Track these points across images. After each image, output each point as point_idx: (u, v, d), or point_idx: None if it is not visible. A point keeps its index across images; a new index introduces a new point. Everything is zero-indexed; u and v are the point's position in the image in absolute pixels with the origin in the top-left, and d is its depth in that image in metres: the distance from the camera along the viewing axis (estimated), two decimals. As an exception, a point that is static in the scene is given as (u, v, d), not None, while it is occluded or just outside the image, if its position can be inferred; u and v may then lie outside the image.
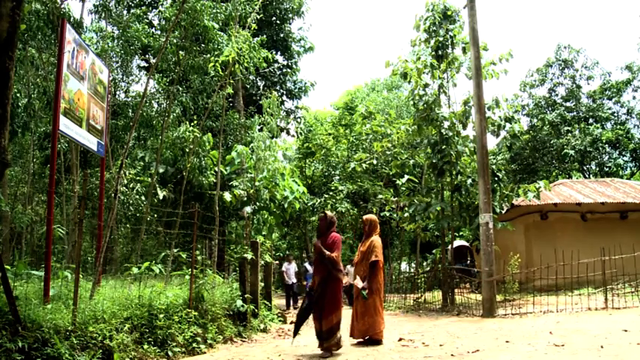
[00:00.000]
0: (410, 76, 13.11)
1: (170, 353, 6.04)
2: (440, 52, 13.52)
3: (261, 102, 13.65)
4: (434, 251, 21.94)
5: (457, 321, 9.81)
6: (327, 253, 6.07)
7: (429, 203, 13.07)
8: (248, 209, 11.15)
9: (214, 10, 11.41)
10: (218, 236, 11.40)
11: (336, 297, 6.07)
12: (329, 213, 6.41)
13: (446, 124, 13.02)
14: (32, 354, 4.36)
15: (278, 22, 19.37)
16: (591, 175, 25.22)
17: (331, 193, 19.82)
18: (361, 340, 6.81)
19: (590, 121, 25.13)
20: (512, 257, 12.51)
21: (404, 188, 16.28)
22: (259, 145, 11.48)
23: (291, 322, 10.49)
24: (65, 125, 5.75)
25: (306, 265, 15.98)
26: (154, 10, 16.00)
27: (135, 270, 7.34)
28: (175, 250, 9.40)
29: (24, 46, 9.90)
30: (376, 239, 6.71)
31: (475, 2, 11.36)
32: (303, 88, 20.44)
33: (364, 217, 7.01)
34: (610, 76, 25.65)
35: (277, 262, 23.22)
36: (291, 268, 15.40)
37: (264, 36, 13.17)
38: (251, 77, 18.05)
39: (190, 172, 11.76)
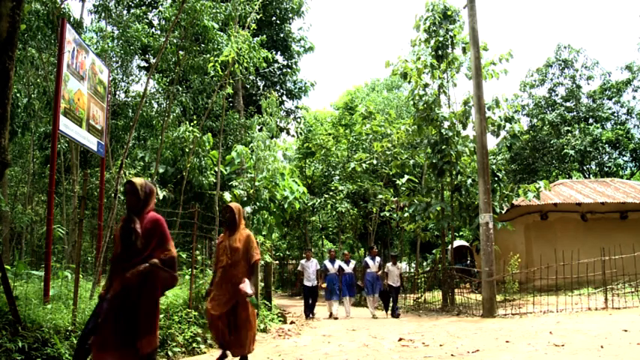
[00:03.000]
0: (410, 76, 13.12)
1: (170, 353, 6.04)
2: (440, 52, 13.53)
3: (260, 102, 13.65)
4: (434, 251, 21.95)
5: (457, 321, 9.81)
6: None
7: (429, 203, 13.08)
8: (248, 209, 11.15)
9: (214, 10, 11.40)
10: (218, 236, 11.38)
11: (153, 313, 3.78)
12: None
13: (446, 124, 13.03)
14: (32, 354, 4.36)
15: (278, 22, 19.37)
16: (591, 175, 25.22)
17: (331, 193, 19.82)
18: None
19: (590, 121, 25.13)
20: (512, 257, 12.52)
21: (404, 188, 16.29)
22: (259, 145, 11.48)
23: (292, 322, 10.51)
24: (65, 125, 5.74)
25: (367, 259, 12.75)
26: (153, 10, 15.99)
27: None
28: (175, 250, 9.38)
29: (24, 46, 9.90)
30: (250, 233, 5.40)
31: (475, 2, 11.36)
32: (303, 88, 20.45)
33: (230, 204, 5.41)
34: (610, 76, 25.67)
35: (277, 262, 23.09)
36: (310, 267, 12.52)
37: (264, 36, 13.15)
38: (251, 77, 18.05)
39: (190, 172, 11.76)
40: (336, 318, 11.89)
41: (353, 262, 12.97)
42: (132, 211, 3.84)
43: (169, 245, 3.85)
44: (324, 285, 12.52)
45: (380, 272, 12.30)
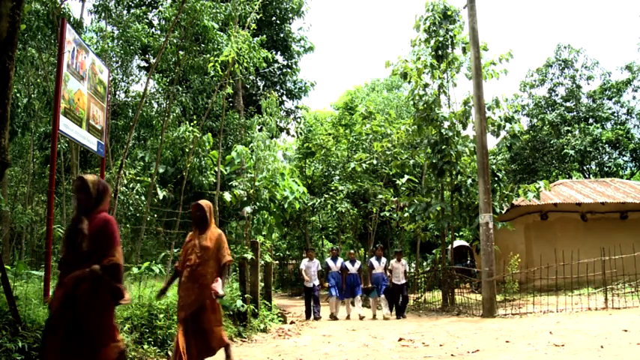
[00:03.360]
0: (410, 76, 13.13)
1: (170, 353, 6.04)
2: (440, 52, 13.54)
3: (260, 102, 13.66)
4: (434, 251, 21.96)
5: (457, 321, 9.82)
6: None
7: (429, 203, 13.08)
8: (248, 209, 11.15)
9: (214, 10, 11.40)
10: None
11: (106, 325, 3.44)
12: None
13: (446, 124, 13.03)
14: (32, 354, 4.36)
15: (278, 22, 19.38)
16: (591, 175, 25.22)
17: (331, 193, 19.81)
18: None
19: (590, 121, 25.13)
20: (512, 257, 12.52)
21: (404, 188, 16.29)
22: (259, 145, 11.49)
23: (292, 322, 10.51)
24: (65, 125, 5.74)
25: (372, 259, 12.29)
26: (153, 10, 15.99)
27: (135, 270, 7.33)
28: (175, 250, 9.39)
29: (24, 46, 9.89)
30: (221, 232, 5.14)
31: (475, 2, 11.37)
32: (303, 88, 20.47)
33: (200, 202, 5.10)
34: (610, 76, 25.66)
35: (277, 262, 23.04)
36: (312, 267, 12.13)
37: (264, 36, 13.16)
38: (251, 77, 18.06)
39: (190, 172, 11.76)
40: (336, 318, 11.68)
41: (358, 263, 12.41)
42: (81, 210, 3.53)
43: (115, 251, 3.41)
44: (327, 284, 12.13)
45: (384, 271, 11.93)
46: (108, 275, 3.35)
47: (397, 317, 11.47)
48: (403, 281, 11.77)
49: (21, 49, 9.64)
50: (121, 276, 3.46)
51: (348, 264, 12.19)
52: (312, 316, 11.76)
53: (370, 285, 12.07)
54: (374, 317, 11.68)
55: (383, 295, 11.75)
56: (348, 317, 11.94)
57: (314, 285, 11.94)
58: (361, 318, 11.46)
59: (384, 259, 12.04)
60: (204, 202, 5.08)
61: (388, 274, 11.88)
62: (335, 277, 12.06)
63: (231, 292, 8.71)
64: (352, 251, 13.30)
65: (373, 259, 12.10)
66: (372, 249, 20.41)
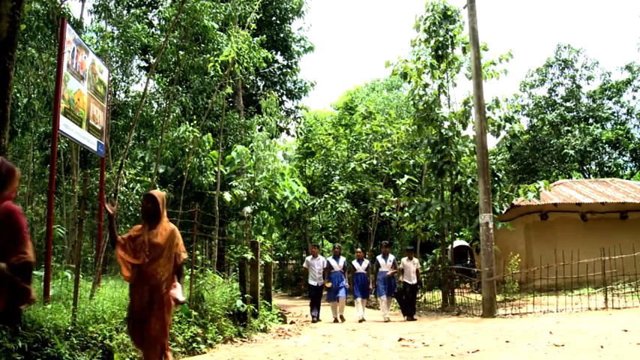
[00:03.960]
0: (410, 76, 13.13)
1: (169, 353, 6.04)
2: (440, 52, 13.54)
3: (260, 102, 13.66)
4: (434, 251, 21.93)
5: (457, 321, 9.82)
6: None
7: (429, 203, 13.08)
8: (248, 209, 11.16)
9: (214, 10, 11.40)
10: (218, 236, 11.40)
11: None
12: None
13: (446, 124, 13.04)
14: (32, 354, 4.36)
15: (278, 22, 19.38)
16: (591, 175, 25.22)
17: (331, 193, 19.82)
18: None
19: (590, 121, 25.13)
20: (512, 257, 12.53)
21: (404, 188, 16.29)
22: (259, 145, 11.50)
23: (292, 322, 10.51)
24: (65, 125, 5.74)
25: (378, 257, 11.48)
26: (153, 10, 16.00)
27: (135, 270, 7.32)
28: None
29: (24, 46, 9.89)
30: (175, 227, 4.59)
31: (475, 2, 11.37)
32: (303, 88, 20.47)
33: (152, 192, 4.52)
34: (610, 76, 25.67)
35: (277, 262, 23.00)
36: (316, 265, 11.27)
37: (264, 36, 13.16)
38: (251, 77, 18.05)
39: (190, 172, 11.76)
40: (337, 321, 10.97)
41: (366, 262, 11.53)
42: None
43: (25, 247, 2.89)
44: (329, 284, 11.18)
45: (393, 271, 11.12)
46: (17, 275, 2.84)
47: (408, 319, 10.81)
48: (414, 281, 11.12)
49: (21, 49, 9.63)
50: (31, 276, 3.00)
51: (355, 263, 11.48)
52: (313, 319, 11.11)
53: (371, 286, 11.48)
54: (388, 320, 10.73)
55: (388, 297, 11.08)
56: (361, 321, 10.87)
57: (318, 284, 11.21)
58: (360, 321, 10.79)
59: (391, 257, 11.30)
60: (156, 193, 4.52)
61: (398, 272, 11.20)
62: (337, 278, 11.20)
63: (231, 292, 8.73)
64: (359, 249, 12.45)
65: (379, 257, 11.34)
66: (372, 249, 20.40)
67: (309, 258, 11.64)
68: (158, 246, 4.30)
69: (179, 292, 4.33)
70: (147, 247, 4.27)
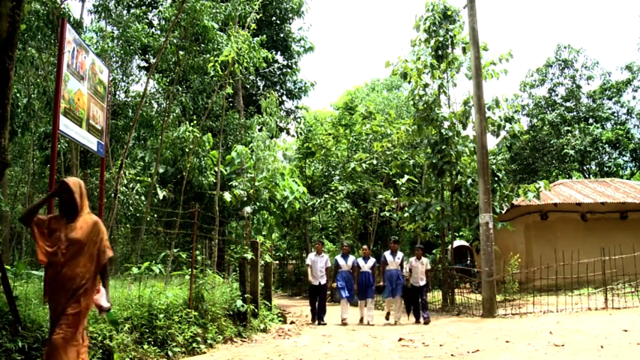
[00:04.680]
0: (410, 76, 13.13)
1: (170, 353, 6.05)
2: (440, 52, 13.54)
3: (260, 102, 13.66)
4: (434, 251, 21.93)
5: (457, 321, 9.82)
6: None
7: (429, 203, 13.08)
8: (248, 209, 11.15)
9: (214, 10, 11.41)
10: (218, 236, 11.40)
11: None
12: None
13: (446, 124, 13.04)
14: (32, 354, 4.37)
15: (278, 22, 19.39)
16: (591, 175, 25.23)
17: (331, 193, 19.82)
18: None
19: (590, 121, 25.14)
20: (512, 257, 12.52)
21: (404, 188, 16.29)
22: (259, 145, 11.50)
23: (292, 322, 10.50)
24: (65, 125, 5.74)
25: (386, 254, 10.80)
26: (153, 10, 16.00)
27: (135, 270, 7.34)
28: (175, 250, 9.40)
29: (24, 46, 9.89)
30: (98, 219, 3.95)
31: (475, 2, 11.37)
32: (303, 88, 20.48)
33: (67, 179, 3.79)
34: (610, 76, 25.68)
35: (277, 262, 22.96)
36: (319, 262, 10.66)
37: (264, 36, 13.17)
38: (251, 77, 18.07)
39: (190, 172, 11.77)
40: (346, 324, 10.27)
41: (372, 260, 10.81)
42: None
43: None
44: (335, 285, 10.65)
45: (404, 271, 10.50)
46: None
47: (416, 322, 10.22)
48: (423, 282, 10.39)
49: (21, 49, 9.63)
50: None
51: (360, 261, 10.72)
52: (316, 320, 10.50)
53: (382, 283, 10.64)
54: (395, 323, 10.20)
55: (398, 297, 10.39)
56: (361, 321, 10.52)
57: (320, 283, 10.56)
58: (366, 323, 10.34)
59: (399, 254, 10.60)
60: (71, 180, 3.80)
61: (405, 272, 10.54)
62: (346, 278, 10.60)
63: (231, 292, 8.73)
64: (366, 247, 11.69)
65: (387, 254, 10.63)
66: (372, 249, 20.38)
67: (312, 255, 11.01)
68: (77, 242, 3.69)
69: (103, 297, 3.81)
70: (63, 244, 3.66)
